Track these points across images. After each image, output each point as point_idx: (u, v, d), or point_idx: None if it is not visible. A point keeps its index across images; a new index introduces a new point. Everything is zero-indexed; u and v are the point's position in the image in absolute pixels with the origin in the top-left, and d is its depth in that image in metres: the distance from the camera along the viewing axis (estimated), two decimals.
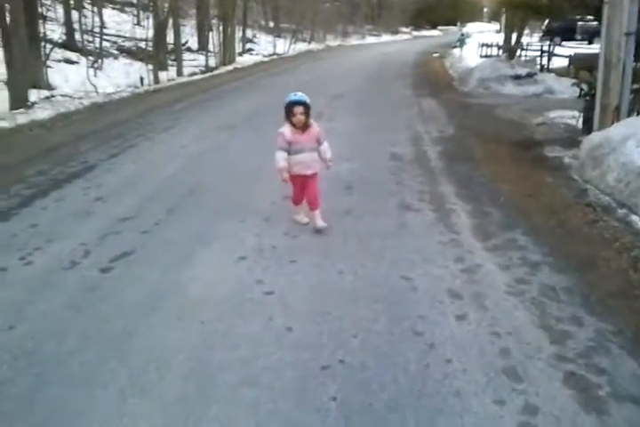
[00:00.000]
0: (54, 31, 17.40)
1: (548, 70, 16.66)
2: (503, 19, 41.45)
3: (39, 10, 15.36)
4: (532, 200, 5.52)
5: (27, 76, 11.09)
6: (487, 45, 25.48)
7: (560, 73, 15.88)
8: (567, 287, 3.68)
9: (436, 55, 27.29)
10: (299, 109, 4.46)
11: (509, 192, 5.69)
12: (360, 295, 3.54)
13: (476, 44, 27.43)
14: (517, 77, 14.36)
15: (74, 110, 10.99)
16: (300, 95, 4.51)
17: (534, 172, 6.60)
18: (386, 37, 49.47)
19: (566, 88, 13.63)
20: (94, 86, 13.85)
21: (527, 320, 3.27)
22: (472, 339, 3.07)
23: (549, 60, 17.65)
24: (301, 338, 3.08)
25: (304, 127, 4.54)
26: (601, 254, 4.24)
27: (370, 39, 46.97)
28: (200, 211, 5.13)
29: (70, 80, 14.76)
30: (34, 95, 11.60)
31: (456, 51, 27.32)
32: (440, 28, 62.54)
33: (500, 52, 23.66)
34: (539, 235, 4.57)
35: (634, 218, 5.04)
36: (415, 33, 57.89)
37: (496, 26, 51.88)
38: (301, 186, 4.69)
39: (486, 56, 24.90)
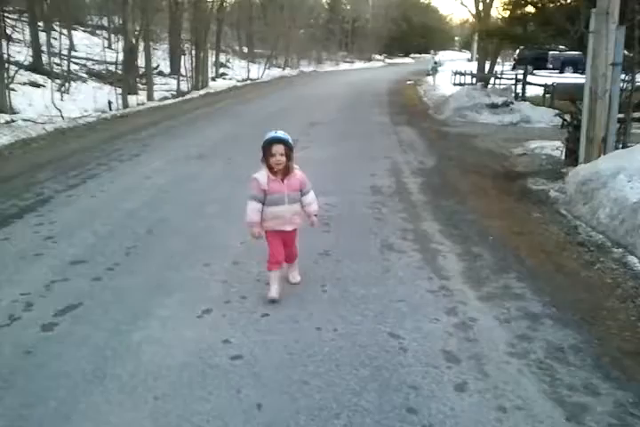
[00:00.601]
0: (20, 53, 16.87)
1: (523, 99, 16.60)
2: (475, 47, 42.22)
3: (4, 30, 14.90)
4: (523, 239, 5.13)
5: None
6: (460, 73, 25.62)
7: (535, 102, 15.82)
8: (575, 346, 3.24)
9: (409, 83, 27.35)
10: (278, 149, 3.63)
11: (497, 230, 5.31)
12: (342, 359, 3.06)
13: (449, 72, 27.66)
14: (493, 106, 14.22)
15: (35, 136, 10.40)
16: (280, 133, 3.72)
17: (520, 206, 6.25)
18: (359, 64, 49.83)
19: (542, 117, 13.53)
20: (59, 111, 13.28)
21: (536, 390, 2.82)
22: (475, 417, 2.60)
23: (524, 88, 17.64)
24: (274, 418, 2.57)
25: (285, 172, 3.72)
26: (605, 304, 3.84)
27: (343, 66, 47.23)
28: (161, 253, 4.61)
29: (35, 104, 14.17)
30: None
31: (429, 78, 27.41)
32: (412, 55, 63.45)
33: (474, 80, 23.77)
34: (535, 280, 4.16)
35: (631, 259, 4.68)
36: (388, 60, 58.54)
37: (467, 54, 52.73)
38: (282, 242, 3.84)
39: (460, 84, 25.00)
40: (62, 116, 13.10)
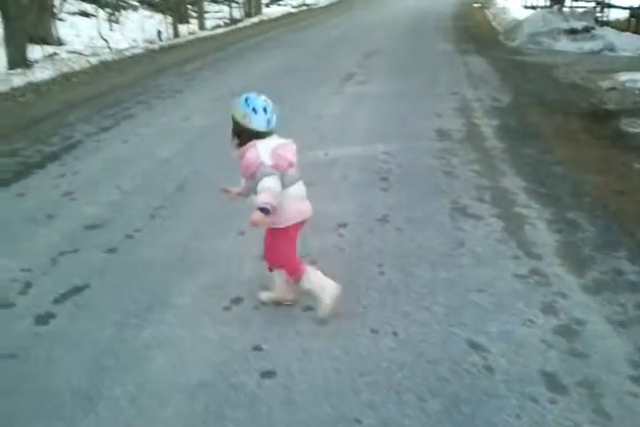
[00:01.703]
0: None
1: (606, 24, 14.61)
2: None
3: None
4: (627, 200, 4.09)
5: (24, 31, 9.74)
6: None
7: (619, 27, 13.88)
8: None
9: (477, 5, 24.92)
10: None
11: (595, 188, 4.28)
12: (404, 382, 2.26)
13: None
14: (572, 32, 12.45)
15: (78, 70, 9.67)
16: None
17: (617, 154, 5.12)
18: None
19: (629, 45, 11.77)
20: (107, 42, 12.47)
21: None
22: None
23: (602, 11, 15.54)
24: None
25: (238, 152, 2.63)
26: None
27: None
28: (190, 216, 3.85)
29: (82, 35, 13.40)
30: (37, 52, 10.32)
31: (499, 0, 24.91)
32: None
33: (548, 2, 21.35)
34: None
35: None
36: None
37: None
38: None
39: (532, 7, 22.58)
40: (110, 48, 12.31)
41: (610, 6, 16.78)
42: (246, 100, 2.56)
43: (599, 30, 12.58)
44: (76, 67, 9.94)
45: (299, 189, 2.66)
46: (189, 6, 18.59)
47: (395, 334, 2.56)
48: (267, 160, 2.49)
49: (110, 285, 3.00)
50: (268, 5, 24.17)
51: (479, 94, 7.31)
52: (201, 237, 3.52)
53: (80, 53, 11.41)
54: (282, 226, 2.61)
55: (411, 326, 2.61)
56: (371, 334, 2.56)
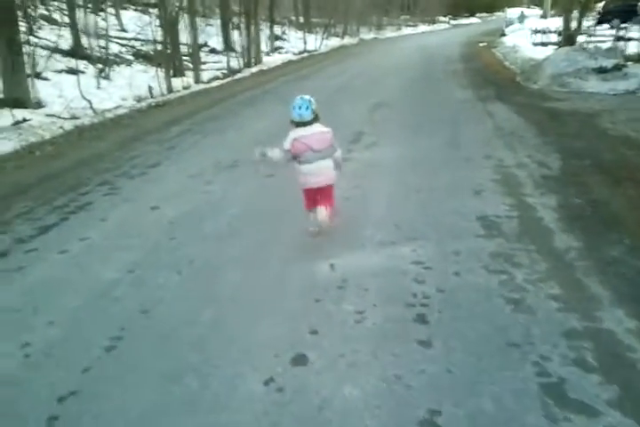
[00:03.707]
0: (62, 37, 14.95)
1: (628, 59, 13.30)
2: (549, 2, 37.46)
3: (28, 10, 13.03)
4: None
5: None
6: (542, 31, 22.04)
7: None
8: None
9: (482, 45, 23.91)
10: None
11: None
12: None
13: (526, 30, 24.02)
14: (602, 71, 11.12)
15: (47, 139, 8.39)
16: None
17: None
18: (423, 27, 45.88)
19: None
20: (89, 102, 11.27)
21: None
22: None
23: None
24: None
25: None
26: None
27: (406, 30, 43.49)
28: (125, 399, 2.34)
29: (66, 94, 12.21)
30: (7, 118, 9.08)
31: (505, 39, 23.90)
32: (479, 15, 58.36)
33: (560, 38, 20.21)
34: None
35: None
36: (453, 22, 53.91)
37: (539, 10, 47.56)
38: None
39: (542, 44, 21.48)
40: (93, 109, 11.11)
41: (627, 40, 15.57)
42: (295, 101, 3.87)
43: (631, 68, 11.23)
44: (47, 135, 8.67)
45: (308, 167, 3.84)
46: (186, 58, 17.60)
47: None
48: (286, 145, 3.85)
49: None
50: (268, 54, 23.27)
51: (519, 157, 5.85)
52: None
53: (58, 117, 10.19)
54: (300, 188, 4.04)
55: None
56: None
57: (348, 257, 3.70)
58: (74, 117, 10.40)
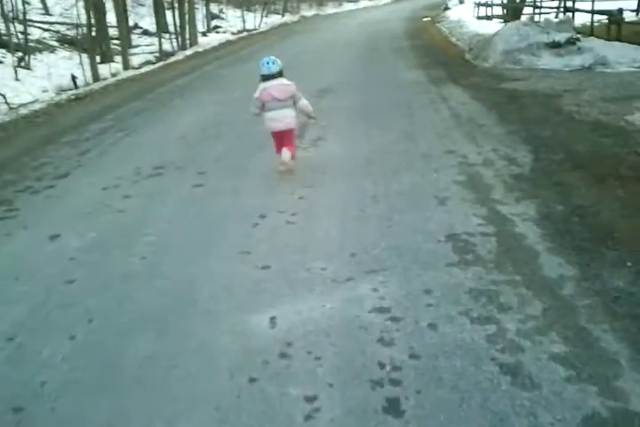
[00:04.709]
0: None
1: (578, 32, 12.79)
2: None
3: None
4: None
5: None
6: (485, 4, 21.43)
7: (597, 35, 12.11)
8: None
9: (426, 19, 23.18)
10: None
11: None
12: None
13: (471, 3, 23.38)
14: (555, 45, 10.55)
15: None
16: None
17: None
18: (364, 2, 44.77)
19: (623, 57, 9.90)
20: (3, 96, 9.99)
21: None
22: None
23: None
24: None
25: None
26: None
27: (347, 6, 42.32)
28: None
29: None
30: None
31: (449, 13, 23.22)
32: None
33: (505, 11, 19.64)
34: None
35: None
36: None
37: None
38: None
39: (486, 17, 20.91)
40: (7, 103, 9.84)
41: (575, 11, 15.07)
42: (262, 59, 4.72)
43: (585, 42, 10.69)
44: None
45: (272, 114, 4.65)
46: (116, 41, 16.18)
47: None
48: (256, 94, 4.64)
49: None
50: (205, 34, 21.92)
51: (483, 152, 5.14)
52: None
53: None
54: (269, 131, 4.83)
55: None
56: None
57: (294, 304, 2.89)
58: None
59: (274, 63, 4.60)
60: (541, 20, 13.27)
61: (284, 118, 4.65)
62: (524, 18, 17.08)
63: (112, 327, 2.84)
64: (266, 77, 4.60)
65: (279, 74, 4.64)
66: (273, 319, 2.77)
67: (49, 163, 5.92)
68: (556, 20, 12.76)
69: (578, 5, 15.47)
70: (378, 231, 3.67)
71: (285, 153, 4.62)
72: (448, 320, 2.65)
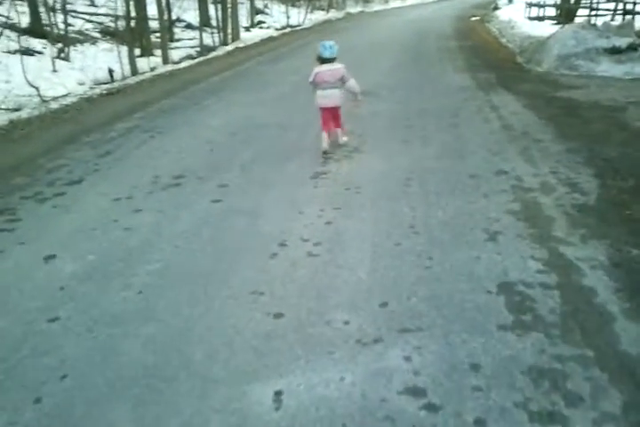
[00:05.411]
0: (23, 13, 13.25)
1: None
2: None
3: None
4: None
5: None
6: (537, 5, 20.34)
7: None
8: None
9: (475, 19, 22.21)
10: None
11: None
12: None
13: (521, 4, 22.29)
14: (615, 51, 9.67)
15: None
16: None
17: None
18: (411, 0, 43.70)
19: None
20: (37, 89, 9.69)
21: None
22: None
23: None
24: None
25: None
26: None
27: (394, 3, 41.31)
28: None
29: (14, 80, 10.60)
30: None
31: (499, 13, 22.18)
32: None
33: (559, 12, 18.56)
34: None
35: None
36: None
37: None
38: None
39: (538, 18, 19.84)
40: (40, 96, 9.53)
41: (636, 14, 14.00)
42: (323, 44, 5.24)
43: None
44: None
45: (322, 93, 5.22)
46: (157, 34, 15.83)
47: None
48: (310, 78, 5.20)
49: None
50: (248, 29, 21.46)
51: (541, 174, 4.45)
52: None
53: None
54: (319, 107, 5.32)
55: None
56: None
57: (306, 373, 2.32)
58: (16, 109, 8.88)
59: (331, 47, 5.14)
60: (598, 22, 12.34)
61: (332, 97, 5.18)
62: (577, 20, 16.12)
63: (85, 391, 2.32)
64: (323, 60, 5.13)
65: (334, 58, 5.18)
66: (278, 395, 2.20)
67: (64, 166, 5.47)
68: (616, 23, 11.77)
69: (639, 8, 14.40)
70: (415, 273, 3.06)
71: (337, 132, 5.43)
72: (500, 415, 2.04)
